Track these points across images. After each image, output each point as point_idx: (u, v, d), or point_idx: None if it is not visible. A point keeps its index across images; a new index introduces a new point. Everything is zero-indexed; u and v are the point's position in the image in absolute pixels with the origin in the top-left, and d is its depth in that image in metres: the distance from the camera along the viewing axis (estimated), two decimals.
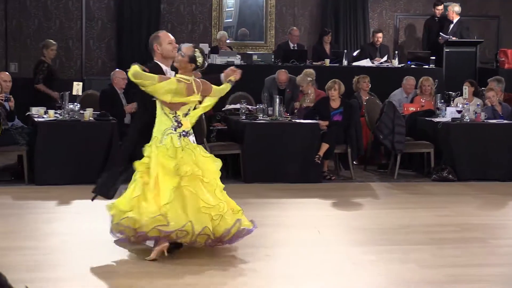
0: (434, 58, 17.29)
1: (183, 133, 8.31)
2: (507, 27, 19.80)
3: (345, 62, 17.21)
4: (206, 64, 8.66)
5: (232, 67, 9.12)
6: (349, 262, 8.50)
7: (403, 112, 14.70)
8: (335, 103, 14.05)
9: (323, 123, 13.72)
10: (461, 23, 18.13)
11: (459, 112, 14.37)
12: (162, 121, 8.33)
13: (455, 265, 8.49)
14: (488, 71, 16.93)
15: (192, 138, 8.44)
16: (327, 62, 17.19)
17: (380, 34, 18.51)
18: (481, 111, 14.36)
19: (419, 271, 8.23)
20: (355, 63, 17.38)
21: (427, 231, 10.11)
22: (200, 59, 8.41)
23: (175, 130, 8.27)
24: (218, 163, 8.59)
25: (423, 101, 14.97)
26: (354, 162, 14.45)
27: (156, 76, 8.29)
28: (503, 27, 19.80)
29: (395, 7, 19.63)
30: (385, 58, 17.74)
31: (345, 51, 17.56)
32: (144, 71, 8.34)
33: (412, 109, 14.90)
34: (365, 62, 17.38)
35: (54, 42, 15.74)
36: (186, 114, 8.40)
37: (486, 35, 18.65)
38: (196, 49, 8.46)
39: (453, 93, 15.27)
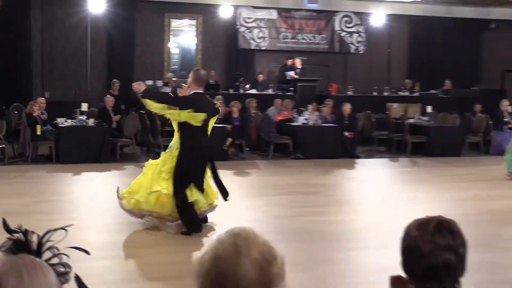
0: (292, 88, 17.41)
1: None
2: (332, 71, 20.06)
3: (241, 91, 17.23)
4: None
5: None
6: (241, 206, 8.56)
7: (275, 119, 14.80)
8: (235, 115, 14.09)
9: (229, 126, 13.75)
10: (303, 69, 18.14)
11: (306, 119, 14.57)
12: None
13: (302, 206, 8.64)
14: (323, 96, 17.09)
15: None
16: (231, 90, 17.19)
17: (261, 75, 18.56)
18: (319, 119, 14.57)
19: (279, 210, 8.35)
20: (247, 92, 17.39)
21: (287, 187, 10.24)
22: None
23: None
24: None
25: (286, 113, 15.09)
26: (246, 149, 14.51)
27: None
28: (330, 71, 20.04)
29: (273, 59, 19.66)
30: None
31: (242, 84, 17.53)
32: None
33: (280, 118, 14.99)
34: (253, 91, 17.39)
35: (117, 81, 15.32)
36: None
37: (321, 75, 18.81)
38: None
39: (303, 109, 15.41)
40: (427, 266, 2.01)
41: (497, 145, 15.45)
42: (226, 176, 11.61)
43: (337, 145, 14.15)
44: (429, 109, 16.07)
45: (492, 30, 20.71)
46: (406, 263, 2.06)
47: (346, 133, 14.28)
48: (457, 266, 2.02)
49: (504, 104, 15.96)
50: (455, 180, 11.15)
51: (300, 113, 15.22)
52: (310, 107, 15.23)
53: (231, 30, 18.99)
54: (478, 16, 20.00)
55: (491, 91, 18.80)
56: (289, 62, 18.21)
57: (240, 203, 8.84)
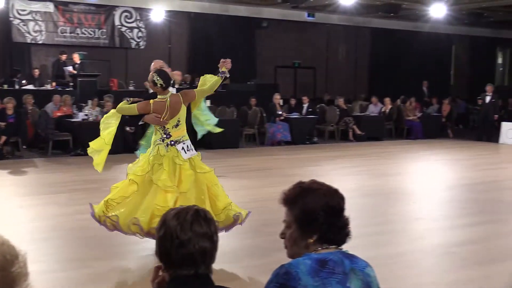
0: (72, 84, 16.74)
1: (171, 142, 5.94)
2: (113, 66, 19.57)
3: (17, 87, 16.18)
4: (172, 80, 6.28)
5: (222, 59, 6.69)
6: (14, 206, 8.10)
7: (54, 116, 14.22)
8: (10, 111, 13.23)
9: (2, 124, 12.92)
10: (83, 64, 17.32)
11: (86, 115, 14.20)
12: (155, 134, 6.03)
13: (81, 203, 8.31)
14: (104, 91, 16.51)
15: (182, 145, 5.97)
16: (5, 86, 15.99)
17: (37, 70, 17.52)
18: (100, 115, 14.17)
19: (56, 208, 8.05)
20: (23, 87, 16.29)
21: (66, 185, 9.87)
22: (159, 80, 5.82)
23: (163, 141, 5.94)
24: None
25: (66, 109, 14.55)
26: (23, 147, 13.73)
27: (134, 105, 5.93)
28: (111, 66, 19.48)
29: (51, 54, 18.76)
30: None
31: (18, 80, 16.43)
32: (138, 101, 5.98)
33: (59, 114, 14.43)
34: (30, 87, 16.42)
35: None
36: (176, 125, 5.97)
37: (102, 70, 18.21)
38: (154, 73, 5.91)
39: (84, 104, 14.92)
40: (185, 254, 2.03)
41: (271, 136, 16.40)
42: (0, 175, 10.97)
43: (119, 140, 13.92)
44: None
45: (265, 28, 21.82)
46: (163, 252, 2.06)
47: (127, 128, 14.12)
48: (211, 253, 2.09)
49: (276, 98, 16.96)
50: (233, 170, 11.55)
51: (80, 109, 14.80)
52: (91, 102, 14.85)
53: (4, 23, 17.82)
54: (252, 15, 20.95)
55: (265, 85, 19.84)
56: (63, 57, 17.54)
57: (14, 203, 8.40)
